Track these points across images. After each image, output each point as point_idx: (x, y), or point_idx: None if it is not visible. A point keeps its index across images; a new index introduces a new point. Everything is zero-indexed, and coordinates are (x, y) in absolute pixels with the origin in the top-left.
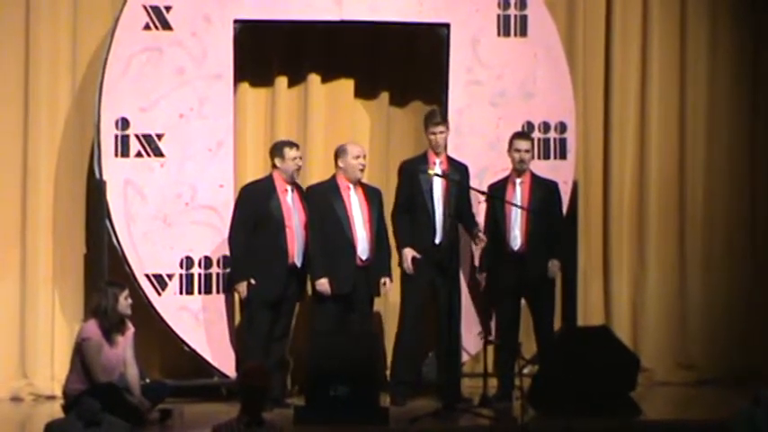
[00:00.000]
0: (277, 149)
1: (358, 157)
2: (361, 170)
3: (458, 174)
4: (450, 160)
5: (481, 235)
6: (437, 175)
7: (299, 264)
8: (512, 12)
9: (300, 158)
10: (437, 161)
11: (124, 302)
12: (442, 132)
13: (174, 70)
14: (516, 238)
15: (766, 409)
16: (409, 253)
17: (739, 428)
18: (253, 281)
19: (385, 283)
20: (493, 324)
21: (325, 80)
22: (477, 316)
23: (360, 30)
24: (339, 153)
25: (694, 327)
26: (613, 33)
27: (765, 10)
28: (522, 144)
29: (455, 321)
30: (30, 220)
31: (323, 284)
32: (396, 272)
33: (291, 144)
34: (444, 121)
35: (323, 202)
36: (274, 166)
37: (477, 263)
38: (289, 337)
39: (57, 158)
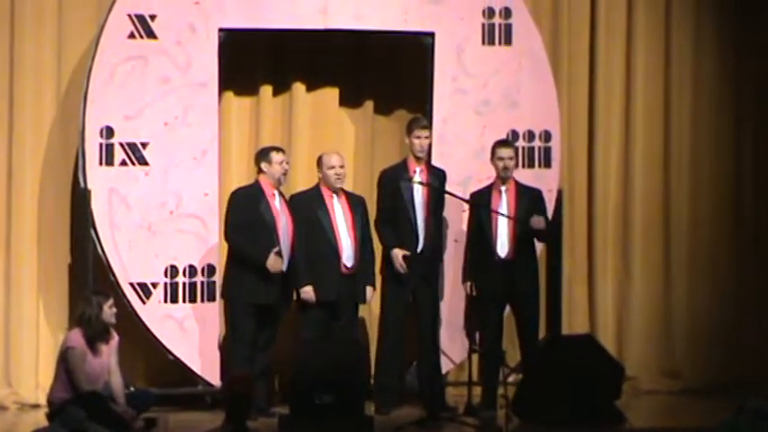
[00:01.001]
0: (263, 154)
1: (333, 167)
2: (339, 180)
3: (437, 180)
4: (430, 167)
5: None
6: (420, 183)
7: (284, 269)
8: (496, 20)
9: (287, 163)
10: (417, 169)
11: (108, 311)
12: (426, 137)
13: (158, 79)
14: (504, 246)
15: (750, 419)
16: (399, 252)
17: None
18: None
19: (368, 291)
20: (477, 333)
21: (309, 89)
22: (462, 324)
23: (345, 38)
24: (318, 163)
25: (679, 335)
26: (598, 42)
27: (749, 14)
28: (505, 152)
29: (435, 330)
30: (14, 228)
31: (308, 292)
32: (379, 280)
33: (278, 149)
34: (428, 125)
35: (307, 210)
36: (260, 171)
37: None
38: (273, 344)
39: (41, 167)
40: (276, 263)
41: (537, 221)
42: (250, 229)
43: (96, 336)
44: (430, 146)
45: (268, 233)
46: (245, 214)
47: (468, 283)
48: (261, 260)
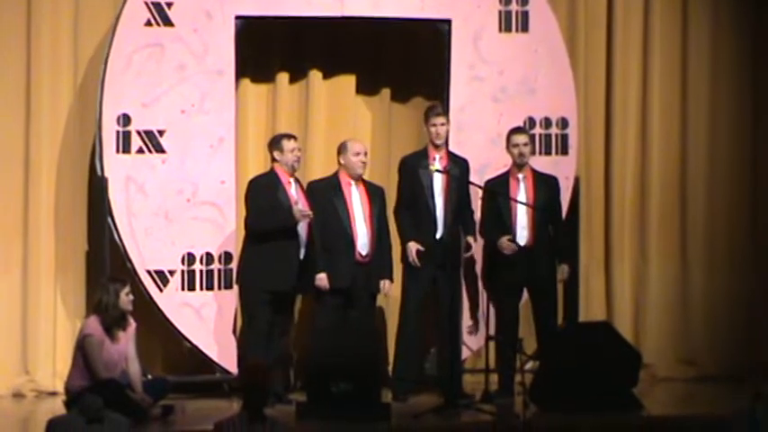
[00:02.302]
0: (275, 142)
1: (358, 153)
2: (362, 167)
3: (458, 169)
4: (451, 155)
5: (471, 241)
6: (438, 171)
7: (301, 257)
8: (513, 7)
9: (299, 149)
10: (437, 156)
11: (125, 298)
12: (443, 124)
13: (175, 66)
14: (523, 234)
15: (766, 406)
16: (414, 246)
17: (740, 424)
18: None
19: (384, 285)
20: (493, 320)
21: (326, 76)
22: (477, 312)
23: (361, 26)
24: (340, 150)
25: (696, 322)
26: (615, 28)
27: (766, 5)
28: (520, 138)
29: (456, 317)
30: (31, 216)
31: (321, 279)
32: (397, 268)
33: (289, 136)
34: (445, 113)
35: (324, 198)
36: (274, 160)
37: (480, 258)
38: (290, 332)
39: (58, 155)
40: (299, 212)
41: (562, 272)
42: (271, 212)
43: (114, 323)
44: (448, 133)
45: (286, 214)
46: (264, 200)
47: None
48: (288, 220)
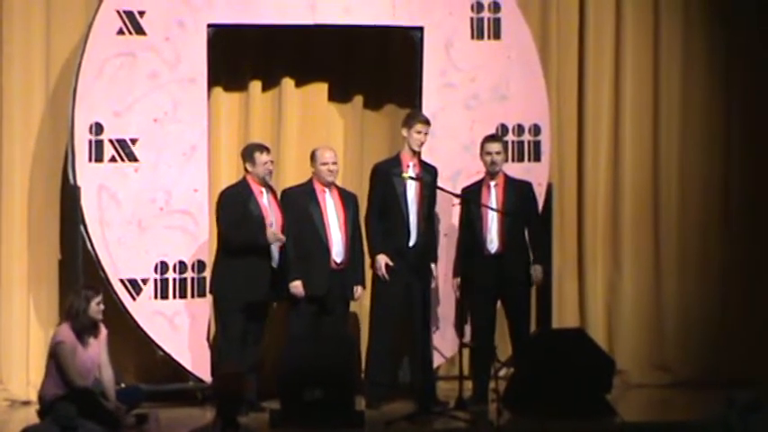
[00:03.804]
0: (248, 154)
1: (326, 163)
2: (331, 175)
3: (429, 176)
4: (422, 162)
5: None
6: (411, 178)
7: (275, 265)
8: (485, 15)
9: (272, 162)
10: (411, 163)
11: (96, 308)
12: (426, 133)
13: (147, 75)
14: (493, 242)
15: (740, 412)
16: (382, 260)
17: (713, 430)
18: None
19: (357, 290)
20: (468, 327)
21: (299, 84)
22: (453, 319)
23: (333, 33)
24: (312, 158)
25: (669, 329)
26: (586, 35)
27: (738, 11)
28: (493, 146)
29: (427, 324)
30: (4, 225)
31: (297, 287)
32: (369, 273)
33: (262, 148)
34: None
35: (298, 205)
36: (246, 170)
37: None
38: (262, 340)
39: (31, 163)
40: (273, 235)
41: (536, 273)
42: (243, 225)
43: (84, 329)
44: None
45: (259, 230)
46: (236, 212)
47: (456, 280)
48: (261, 241)
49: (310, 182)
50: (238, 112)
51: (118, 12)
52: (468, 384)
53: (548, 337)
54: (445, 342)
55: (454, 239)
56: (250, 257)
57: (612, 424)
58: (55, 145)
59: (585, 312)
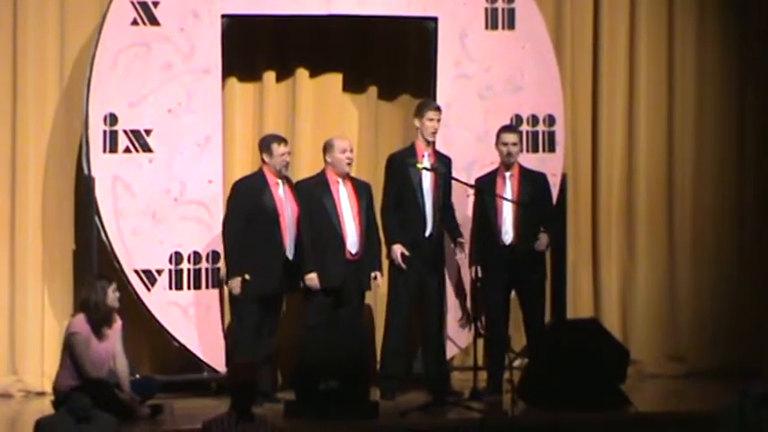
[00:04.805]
0: (265, 145)
1: (344, 151)
2: (349, 164)
3: (444, 166)
4: (436, 153)
5: (462, 241)
6: (426, 169)
7: (291, 257)
8: (499, 5)
9: (289, 153)
10: (425, 153)
11: (112, 295)
12: (439, 120)
13: (162, 65)
14: (508, 233)
15: (754, 402)
16: (398, 249)
17: (727, 421)
18: (247, 276)
19: (376, 277)
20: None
21: (313, 75)
22: (465, 308)
23: (348, 24)
24: (326, 148)
25: (683, 319)
26: (601, 25)
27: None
28: (509, 137)
29: (441, 315)
30: (18, 216)
31: (312, 279)
32: (385, 265)
33: (279, 139)
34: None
35: (312, 197)
36: (263, 161)
37: (467, 256)
38: (277, 330)
39: (45, 155)
40: (236, 285)
41: (539, 245)
42: (251, 221)
43: (100, 321)
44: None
45: (270, 224)
46: (246, 206)
47: (474, 268)
48: (233, 272)
49: (323, 173)
50: (252, 102)
51: (132, 2)
52: (483, 375)
53: (562, 328)
54: (460, 332)
55: (468, 230)
56: (264, 248)
57: (627, 414)
58: (69, 136)
59: (600, 303)
